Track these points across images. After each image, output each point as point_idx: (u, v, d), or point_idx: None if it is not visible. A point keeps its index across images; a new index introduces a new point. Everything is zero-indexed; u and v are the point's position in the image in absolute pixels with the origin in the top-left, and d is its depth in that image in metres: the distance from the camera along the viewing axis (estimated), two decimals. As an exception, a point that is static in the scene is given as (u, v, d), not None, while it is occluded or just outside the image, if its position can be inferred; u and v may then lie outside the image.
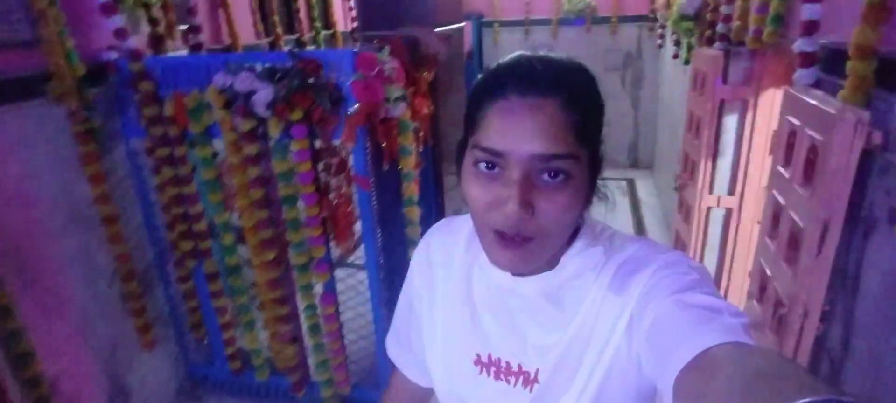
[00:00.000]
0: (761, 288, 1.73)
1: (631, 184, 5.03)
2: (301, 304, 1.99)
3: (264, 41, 3.38)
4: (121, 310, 2.05)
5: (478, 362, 0.71)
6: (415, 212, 2.05)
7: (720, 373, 0.41)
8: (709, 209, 2.69)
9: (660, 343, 0.52)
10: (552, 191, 0.55)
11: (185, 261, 2.14)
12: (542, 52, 0.59)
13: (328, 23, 4.20)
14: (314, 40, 4.01)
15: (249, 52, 2.80)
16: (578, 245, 0.65)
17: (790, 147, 1.58)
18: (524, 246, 0.57)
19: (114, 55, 1.99)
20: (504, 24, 5.41)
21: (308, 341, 2.02)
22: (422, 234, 0.85)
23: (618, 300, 0.61)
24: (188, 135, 1.96)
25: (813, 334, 1.40)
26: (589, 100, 0.57)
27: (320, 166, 1.88)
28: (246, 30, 3.06)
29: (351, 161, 1.91)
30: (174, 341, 2.33)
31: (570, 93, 0.55)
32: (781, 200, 1.60)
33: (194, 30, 2.56)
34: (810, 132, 1.42)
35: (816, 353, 1.44)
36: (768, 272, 1.67)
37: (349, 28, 4.50)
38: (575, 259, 0.64)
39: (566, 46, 5.32)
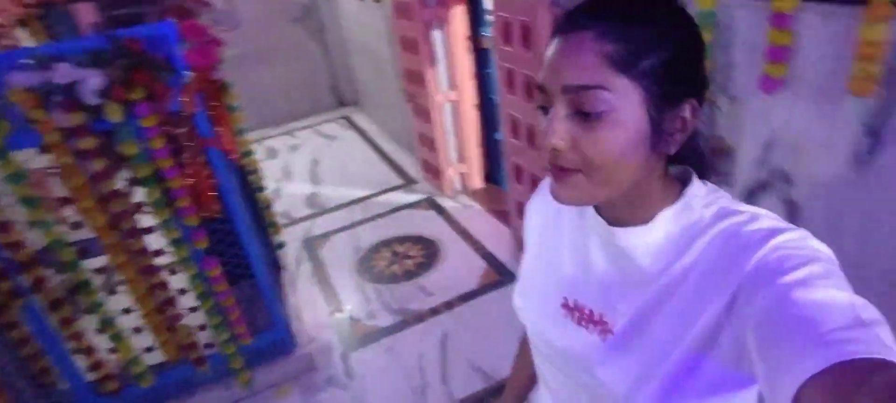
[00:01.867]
0: (513, 126, 2.67)
1: (348, 119, 5.71)
2: (185, 278, 2.01)
3: None
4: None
5: (565, 305, 0.73)
6: (255, 162, 2.26)
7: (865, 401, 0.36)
8: (441, 105, 3.57)
9: (777, 340, 0.47)
10: (591, 124, 0.55)
11: (8, 306, 1.85)
12: None
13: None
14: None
15: (50, 44, 2.11)
16: (679, 205, 0.63)
17: (506, 27, 2.46)
18: (567, 177, 0.59)
19: None
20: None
21: (201, 308, 2.06)
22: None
23: (718, 272, 0.58)
24: (-22, 156, 1.69)
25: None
26: (641, 31, 0.54)
27: (166, 139, 1.91)
28: None
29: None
30: (25, 394, 1.98)
31: (609, 25, 0.54)
32: (511, 66, 2.50)
33: None
34: (521, 17, 2.30)
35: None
36: (519, 116, 2.60)
37: None
38: (672, 218, 0.62)
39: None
